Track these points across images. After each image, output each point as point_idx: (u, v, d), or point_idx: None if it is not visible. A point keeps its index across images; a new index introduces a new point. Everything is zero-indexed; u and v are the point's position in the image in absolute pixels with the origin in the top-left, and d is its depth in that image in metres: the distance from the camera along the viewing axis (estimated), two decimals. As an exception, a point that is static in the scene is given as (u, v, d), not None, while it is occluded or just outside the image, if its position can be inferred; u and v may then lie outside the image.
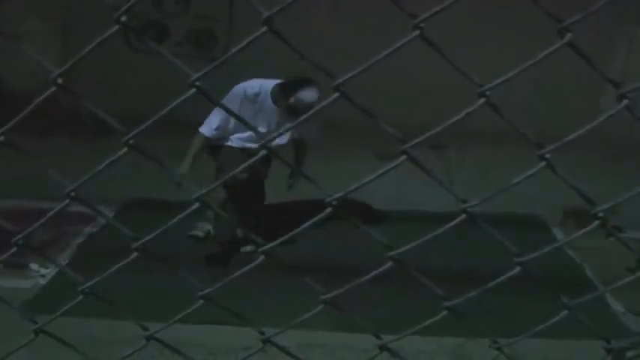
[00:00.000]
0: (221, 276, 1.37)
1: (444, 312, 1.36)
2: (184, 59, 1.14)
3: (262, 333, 1.42)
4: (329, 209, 1.23)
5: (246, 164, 1.34)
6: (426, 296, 1.36)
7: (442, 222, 1.25)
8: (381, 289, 4.01)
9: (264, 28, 1.09)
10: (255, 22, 1.09)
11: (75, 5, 8.82)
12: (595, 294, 1.43)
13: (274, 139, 1.33)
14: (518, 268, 1.28)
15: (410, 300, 3.63)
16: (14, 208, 5.65)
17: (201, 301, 1.36)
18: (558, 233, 6.09)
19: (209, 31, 9.31)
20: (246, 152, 4.99)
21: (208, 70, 1.15)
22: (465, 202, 1.22)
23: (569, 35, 1.10)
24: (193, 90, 1.15)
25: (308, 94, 4.93)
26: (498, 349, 1.43)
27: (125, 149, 1.21)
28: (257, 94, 5.14)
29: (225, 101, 5.08)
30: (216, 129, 5.07)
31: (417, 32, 1.10)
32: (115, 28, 1.14)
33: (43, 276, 4.91)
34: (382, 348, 1.40)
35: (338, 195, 1.23)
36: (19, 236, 1.42)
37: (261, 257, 1.30)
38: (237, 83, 5.17)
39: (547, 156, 1.19)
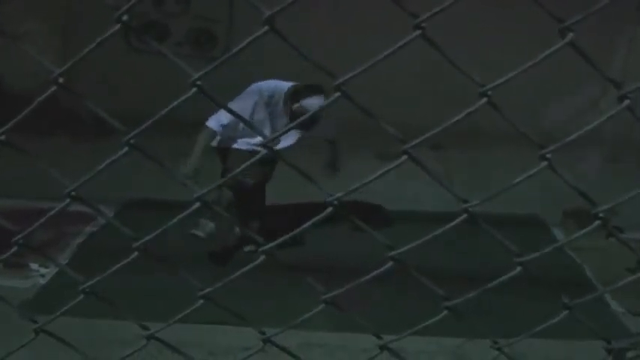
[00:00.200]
0: (221, 276, 1.37)
1: (444, 312, 1.36)
2: (184, 59, 1.14)
3: (262, 333, 1.42)
4: (329, 209, 1.23)
5: (245, 165, 1.34)
6: (426, 296, 1.36)
7: (442, 222, 1.25)
8: (381, 289, 4.01)
9: (265, 28, 1.09)
10: (255, 21, 1.09)
11: (75, 5, 8.81)
12: (595, 294, 1.43)
13: (278, 141, 1.33)
14: (518, 268, 1.28)
15: (410, 300, 3.63)
16: (14, 208, 5.64)
17: (201, 301, 1.36)
18: (558, 233, 6.09)
19: (209, 31, 9.30)
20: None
21: (209, 70, 1.15)
22: (465, 201, 1.22)
23: (570, 35, 1.10)
24: (194, 90, 1.15)
25: (314, 103, 4.91)
26: (498, 349, 1.43)
27: (126, 149, 1.21)
28: (271, 96, 5.13)
29: (239, 99, 5.08)
30: (225, 126, 5.02)
31: (418, 32, 1.10)
32: (116, 27, 1.14)
33: (43, 276, 4.91)
34: (382, 348, 1.40)
35: (338, 195, 1.23)
36: (19, 236, 1.42)
37: (262, 257, 1.30)
38: (237, 83, 5.16)
39: (548, 156, 1.19)
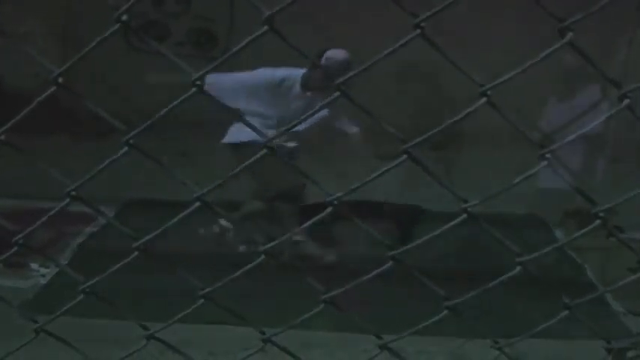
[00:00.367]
0: (221, 276, 1.37)
1: (445, 312, 1.36)
2: (185, 59, 1.14)
3: (263, 333, 1.42)
4: (329, 209, 1.23)
5: (250, 159, 1.34)
6: (426, 296, 1.36)
7: (442, 222, 1.25)
8: (381, 289, 4.00)
9: (265, 28, 1.09)
10: (255, 21, 1.09)
11: (75, 5, 8.81)
12: (595, 294, 1.43)
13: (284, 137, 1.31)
14: (518, 268, 1.28)
15: (410, 300, 3.63)
16: (14, 208, 5.64)
17: (202, 300, 1.36)
18: (558, 233, 6.09)
19: (209, 31, 9.30)
20: (284, 152, 4.94)
21: (209, 70, 1.15)
22: (465, 201, 1.22)
23: (570, 35, 1.10)
24: (194, 89, 1.15)
25: (337, 52, 4.99)
26: (499, 349, 1.43)
27: (126, 149, 1.21)
28: (283, 80, 5.11)
29: (248, 75, 5.06)
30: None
31: (418, 31, 1.09)
32: (115, 27, 1.14)
33: (43, 276, 4.91)
34: (382, 348, 1.40)
35: (339, 195, 1.23)
36: (19, 236, 1.42)
37: (262, 257, 1.30)
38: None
39: (547, 156, 1.19)
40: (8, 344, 1.65)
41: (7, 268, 4.69)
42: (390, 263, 1.27)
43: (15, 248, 1.44)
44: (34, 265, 4.96)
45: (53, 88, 1.22)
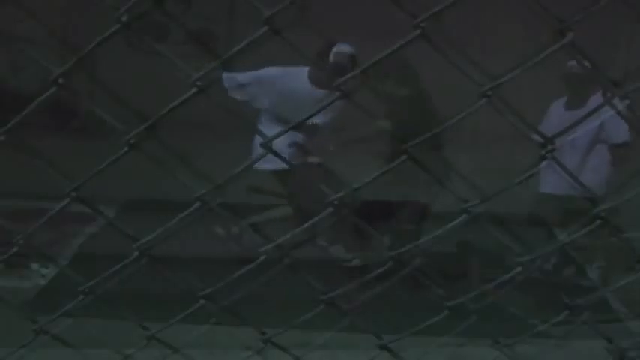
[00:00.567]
0: (221, 276, 1.36)
1: (445, 312, 1.35)
2: (185, 59, 1.14)
3: (263, 333, 1.42)
4: (329, 209, 1.23)
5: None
6: (426, 296, 1.36)
7: (443, 222, 1.25)
8: (381, 289, 3.99)
9: (265, 28, 1.09)
10: (256, 21, 1.09)
11: (75, 5, 8.81)
12: (596, 294, 1.43)
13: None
14: (518, 268, 1.28)
15: (410, 300, 3.62)
16: (14, 208, 5.64)
17: (202, 301, 1.36)
18: (559, 234, 6.08)
19: (209, 31, 9.29)
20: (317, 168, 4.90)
21: (209, 70, 1.15)
22: (466, 202, 1.22)
23: (570, 35, 1.10)
24: (194, 90, 1.14)
25: (344, 47, 4.98)
26: (499, 349, 1.43)
27: (126, 149, 1.21)
28: (290, 75, 5.07)
29: (263, 72, 5.06)
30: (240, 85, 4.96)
31: (418, 32, 1.09)
32: (116, 27, 1.14)
33: (43, 276, 4.91)
34: (382, 348, 1.39)
35: (339, 195, 1.23)
36: (20, 236, 1.42)
37: (262, 257, 1.30)
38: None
39: (549, 152, 1.19)
40: (8, 344, 1.65)
41: (8, 269, 4.69)
42: (390, 263, 1.27)
43: (15, 248, 1.43)
44: (34, 266, 4.96)
45: (54, 89, 1.22)
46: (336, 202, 1.23)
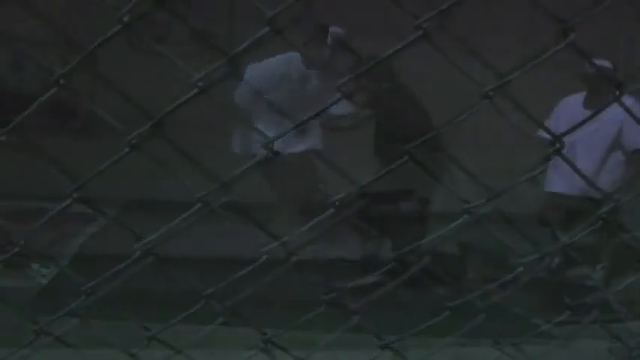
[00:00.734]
0: (222, 276, 1.36)
1: (446, 312, 1.35)
2: (185, 59, 1.14)
3: (264, 333, 1.41)
4: (331, 210, 1.23)
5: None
6: (427, 296, 1.36)
7: (444, 222, 1.24)
8: (382, 289, 3.99)
9: (267, 29, 1.09)
10: (257, 21, 1.09)
11: (75, 5, 8.81)
12: (597, 294, 1.43)
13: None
14: (519, 268, 1.28)
15: (411, 300, 3.62)
16: (14, 208, 5.64)
17: (203, 301, 1.36)
18: (560, 233, 6.07)
19: (209, 31, 9.29)
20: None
21: (210, 71, 1.15)
22: (467, 202, 1.22)
23: (572, 35, 1.10)
24: (196, 90, 1.14)
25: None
26: (501, 349, 1.43)
27: (127, 149, 1.21)
28: (288, 62, 5.06)
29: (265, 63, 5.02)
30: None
31: (420, 32, 1.09)
32: (117, 27, 1.13)
33: (44, 276, 4.91)
34: (384, 348, 1.39)
35: (340, 195, 1.23)
36: (20, 236, 1.42)
37: (264, 257, 1.30)
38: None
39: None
40: (8, 344, 1.65)
41: (8, 269, 4.68)
42: (392, 263, 1.27)
43: (16, 249, 1.43)
44: (34, 266, 4.96)
45: (54, 89, 1.22)
46: (337, 203, 1.22)
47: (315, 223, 1.28)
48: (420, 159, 1.17)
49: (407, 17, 1.10)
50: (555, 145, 1.18)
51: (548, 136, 1.19)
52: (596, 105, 4.94)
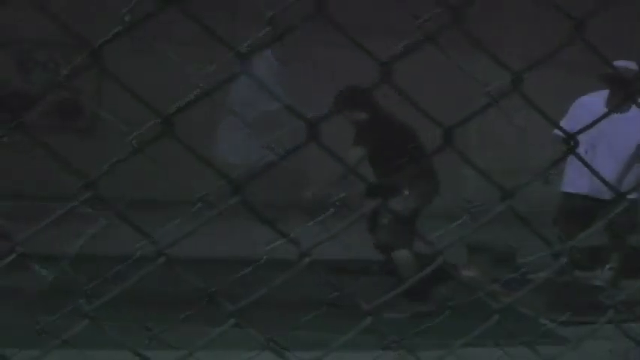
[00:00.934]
0: (222, 276, 1.36)
1: (447, 312, 1.35)
2: (186, 59, 1.13)
3: (271, 336, 1.41)
4: (331, 210, 1.23)
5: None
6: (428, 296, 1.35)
7: (446, 222, 1.24)
8: (383, 288, 3.99)
9: (267, 29, 1.09)
10: (257, 22, 1.09)
11: (75, 5, 8.81)
12: (599, 295, 1.43)
13: None
14: (522, 269, 1.28)
15: (412, 300, 3.61)
16: (14, 208, 5.64)
17: (204, 301, 1.35)
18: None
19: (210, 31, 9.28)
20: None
21: (210, 72, 1.15)
22: (469, 202, 1.22)
23: (581, 31, 1.09)
24: (197, 91, 1.14)
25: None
26: (502, 349, 1.43)
27: (129, 149, 1.20)
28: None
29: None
30: None
31: (421, 35, 1.09)
32: (118, 28, 1.13)
33: (44, 276, 4.90)
34: (385, 348, 1.39)
35: (340, 196, 1.23)
36: (21, 237, 1.41)
37: (264, 258, 1.30)
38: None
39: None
40: (9, 345, 1.65)
41: (8, 269, 4.68)
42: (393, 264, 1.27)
43: (16, 249, 1.43)
44: (35, 266, 4.94)
45: (55, 89, 1.22)
46: (338, 203, 1.22)
47: (320, 220, 1.28)
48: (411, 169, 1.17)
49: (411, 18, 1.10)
50: (570, 143, 1.16)
51: (563, 135, 1.18)
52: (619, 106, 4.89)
